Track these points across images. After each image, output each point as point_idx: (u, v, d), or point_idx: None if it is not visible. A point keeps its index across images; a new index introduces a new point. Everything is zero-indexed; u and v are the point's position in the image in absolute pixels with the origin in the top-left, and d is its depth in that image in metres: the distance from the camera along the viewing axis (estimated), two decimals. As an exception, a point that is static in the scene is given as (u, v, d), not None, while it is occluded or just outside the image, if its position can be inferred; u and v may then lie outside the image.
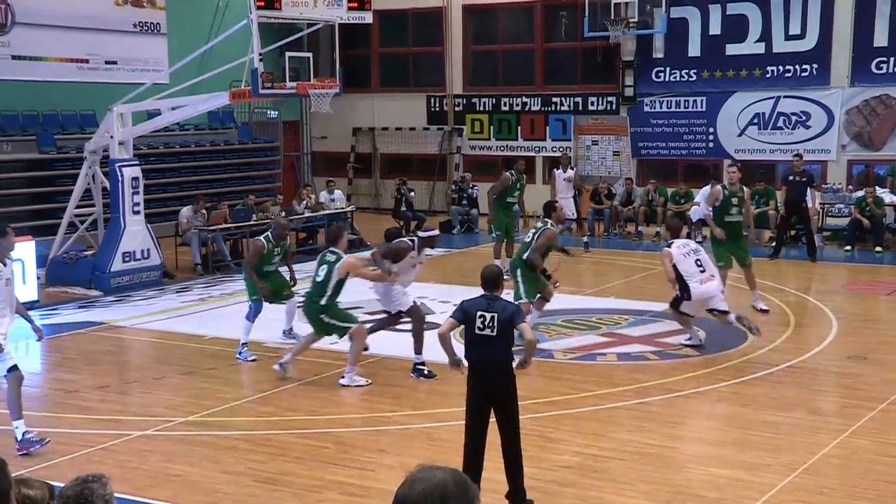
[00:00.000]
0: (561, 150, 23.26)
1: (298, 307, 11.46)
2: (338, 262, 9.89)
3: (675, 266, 11.04)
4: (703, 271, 11.08)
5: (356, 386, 9.94)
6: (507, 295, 7.83)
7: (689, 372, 10.49)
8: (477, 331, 6.75)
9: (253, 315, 11.17)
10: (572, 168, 19.26)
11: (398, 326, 12.79)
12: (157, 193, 20.51)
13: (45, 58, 19.24)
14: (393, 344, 11.62)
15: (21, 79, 18.91)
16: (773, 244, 17.91)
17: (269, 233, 11.47)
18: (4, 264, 8.02)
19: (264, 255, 11.25)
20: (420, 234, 11.28)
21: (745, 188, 13.41)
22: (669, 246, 11.28)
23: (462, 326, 6.93)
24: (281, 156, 24.35)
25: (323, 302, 9.86)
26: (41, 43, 19.03)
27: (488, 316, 6.73)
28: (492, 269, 7.02)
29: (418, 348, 10.39)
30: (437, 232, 11.28)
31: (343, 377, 10.02)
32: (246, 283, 11.43)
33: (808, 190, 17.83)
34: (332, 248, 10.09)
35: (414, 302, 10.75)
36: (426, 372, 10.28)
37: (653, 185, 20.93)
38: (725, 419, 9.10)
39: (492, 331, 6.71)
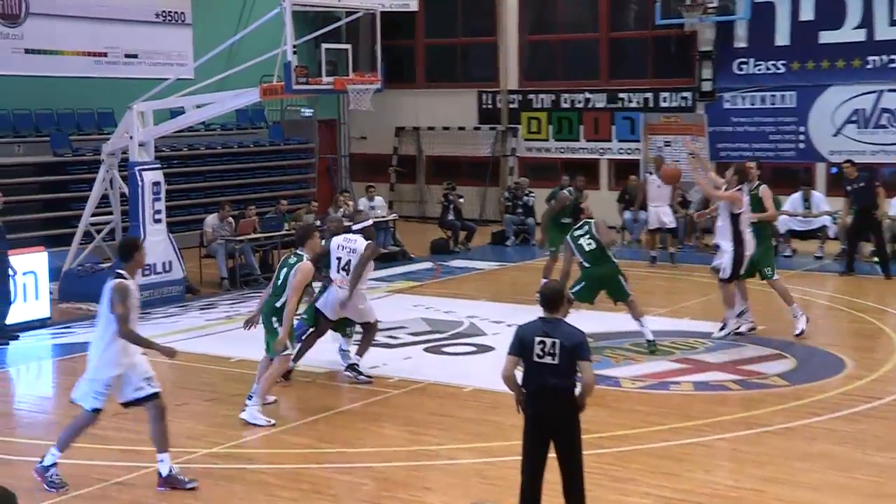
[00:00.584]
0: (629, 151, 23.15)
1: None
2: (297, 264, 9.80)
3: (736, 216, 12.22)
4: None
5: (256, 425, 9.62)
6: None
7: (777, 404, 10.33)
8: (536, 358, 6.70)
9: (300, 330, 11.18)
10: None
11: (446, 349, 12.75)
12: (181, 200, 20.73)
13: (60, 51, 19.58)
14: (437, 369, 11.59)
15: (34, 74, 19.25)
16: (844, 258, 17.64)
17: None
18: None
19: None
20: (354, 226, 11.66)
21: (763, 187, 13.15)
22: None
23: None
24: (316, 158, 24.51)
25: (277, 305, 9.83)
26: (56, 35, 19.37)
27: (549, 342, 6.68)
28: (553, 288, 6.98)
29: (362, 352, 11.10)
30: (370, 222, 11.77)
31: (245, 409, 9.76)
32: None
33: (880, 196, 17.56)
34: (298, 250, 10.09)
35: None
36: (364, 376, 11.02)
37: (733, 191, 20.69)
38: (820, 459, 8.90)
39: (553, 358, 6.66)
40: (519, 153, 24.96)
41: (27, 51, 19.08)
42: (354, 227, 11.55)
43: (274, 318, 9.85)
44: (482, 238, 21.68)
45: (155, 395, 8.11)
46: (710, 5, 21.71)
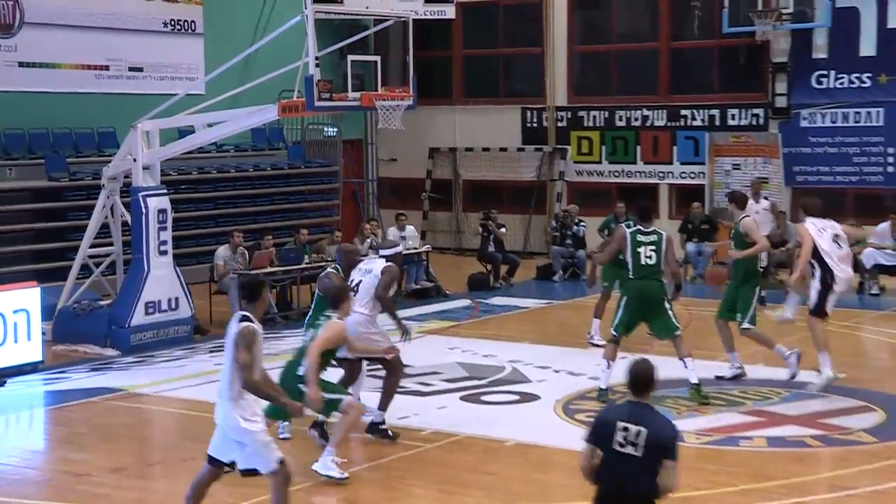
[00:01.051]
0: (692, 175, 23.05)
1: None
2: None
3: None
4: (841, 248, 12.24)
5: (332, 477, 9.62)
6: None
7: (864, 463, 10.21)
8: (616, 446, 6.39)
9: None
10: (766, 198, 19.02)
11: (485, 398, 12.70)
12: (189, 229, 20.87)
13: (57, 64, 19.84)
14: (475, 420, 11.53)
15: (29, 90, 19.48)
16: None
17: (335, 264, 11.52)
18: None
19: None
20: (381, 251, 11.58)
21: (746, 219, 13.15)
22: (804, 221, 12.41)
23: None
24: (340, 183, 24.61)
25: (301, 372, 9.67)
26: (54, 47, 19.63)
27: (634, 430, 6.36)
28: (643, 368, 6.61)
29: (384, 404, 10.81)
30: (399, 248, 11.70)
31: (318, 461, 9.75)
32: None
33: None
34: (330, 313, 9.84)
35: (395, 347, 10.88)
36: (389, 433, 10.77)
37: (812, 220, 20.54)
38: (912, 526, 8.78)
39: (635, 449, 6.35)
40: (568, 177, 24.94)
41: (21, 64, 19.33)
42: (382, 253, 11.52)
43: (301, 385, 9.62)
44: (526, 273, 21.64)
45: (280, 462, 8.01)
46: (785, 11, 21.67)
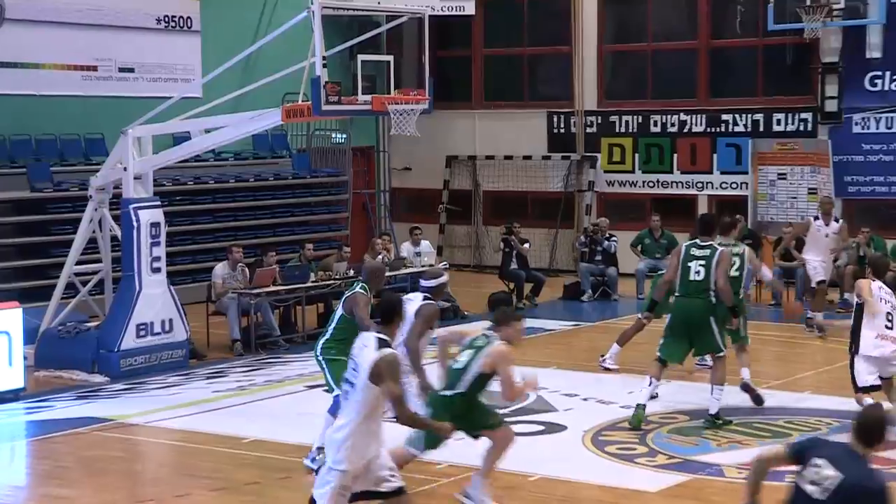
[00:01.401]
0: (734, 186, 23.00)
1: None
2: (486, 347, 9.51)
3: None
4: (890, 328, 11.80)
5: None
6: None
7: (921, 500, 10.14)
8: (803, 481, 6.14)
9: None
10: (837, 220, 18.47)
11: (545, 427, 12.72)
12: (185, 244, 20.92)
13: (41, 65, 19.94)
14: (531, 458, 11.54)
15: (10, 93, 19.58)
16: None
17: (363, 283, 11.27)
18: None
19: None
20: (423, 283, 11.06)
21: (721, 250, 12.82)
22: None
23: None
24: (349, 194, 24.66)
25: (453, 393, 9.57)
26: (37, 45, 19.72)
27: (827, 472, 6.05)
28: (874, 416, 6.26)
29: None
30: (445, 278, 11.19)
31: (467, 495, 9.74)
32: (328, 366, 11.10)
33: None
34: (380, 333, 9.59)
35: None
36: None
37: (865, 234, 20.49)
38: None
39: (821, 493, 6.05)
40: (598, 188, 24.95)
41: (1, 64, 19.44)
42: (424, 284, 10.98)
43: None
44: (552, 292, 21.63)
45: (401, 490, 8.01)
46: (836, 6, 21.66)
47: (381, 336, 7.81)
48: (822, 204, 19.17)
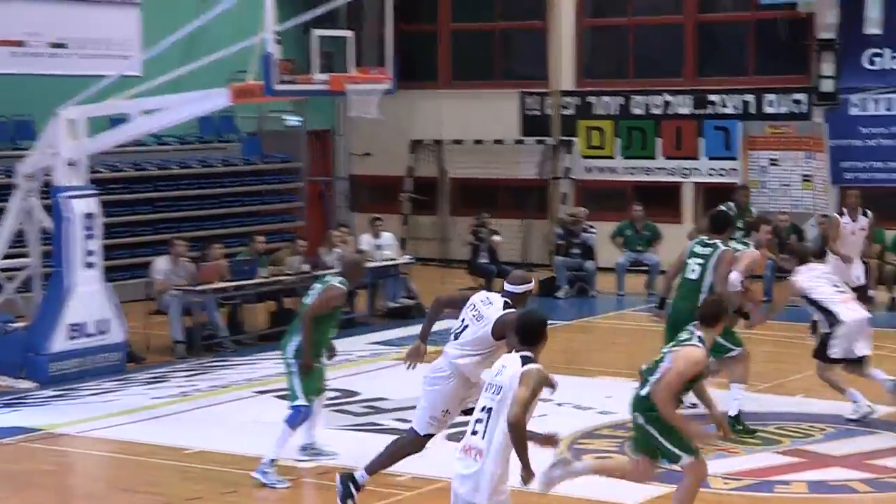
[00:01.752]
0: (722, 172, 23.10)
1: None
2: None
3: (808, 298, 12.70)
4: (842, 291, 12.70)
5: None
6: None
7: (921, 512, 10.25)
8: None
9: (298, 420, 11.14)
10: (866, 214, 18.43)
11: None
12: (123, 237, 20.89)
13: (-37, 40, 19.80)
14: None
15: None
16: None
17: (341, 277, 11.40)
18: None
19: (335, 311, 11.31)
20: (508, 287, 10.32)
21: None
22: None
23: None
24: (304, 182, 24.64)
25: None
26: (-42, 19, 19.59)
27: None
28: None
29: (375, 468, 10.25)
30: (532, 285, 10.45)
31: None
32: (292, 372, 11.19)
33: None
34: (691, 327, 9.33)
35: None
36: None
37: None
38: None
39: None
40: (575, 175, 24.99)
41: (-82, 40, 19.33)
42: (507, 288, 10.06)
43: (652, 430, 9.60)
44: (525, 288, 21.63)
45: None
46: (833, -22, 21.81)
47: (526, 353, 7.80)
48: (848, 196, 19.02)
